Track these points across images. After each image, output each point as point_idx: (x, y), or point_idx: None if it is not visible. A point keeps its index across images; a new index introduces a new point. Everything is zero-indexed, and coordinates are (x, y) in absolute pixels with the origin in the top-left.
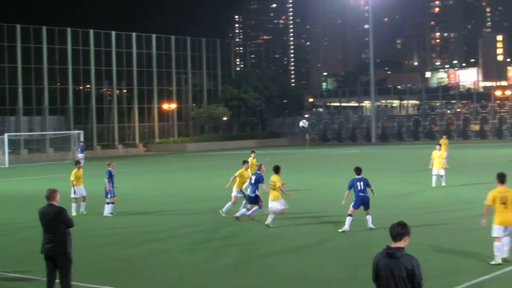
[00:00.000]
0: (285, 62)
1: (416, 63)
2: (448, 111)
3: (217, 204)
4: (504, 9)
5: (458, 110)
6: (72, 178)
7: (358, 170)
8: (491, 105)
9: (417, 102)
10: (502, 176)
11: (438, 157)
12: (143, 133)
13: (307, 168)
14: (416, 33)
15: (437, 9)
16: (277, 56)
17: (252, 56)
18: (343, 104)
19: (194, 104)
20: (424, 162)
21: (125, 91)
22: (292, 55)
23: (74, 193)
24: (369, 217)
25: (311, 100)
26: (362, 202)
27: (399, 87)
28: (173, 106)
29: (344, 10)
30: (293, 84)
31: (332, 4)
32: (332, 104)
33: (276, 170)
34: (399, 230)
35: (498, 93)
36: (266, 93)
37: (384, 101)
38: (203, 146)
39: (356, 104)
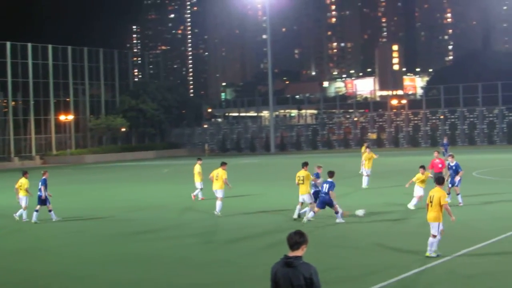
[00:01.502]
0: (184, 73)
1: (314, 73)
2: (346, 120)
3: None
4: (399, 19)
5: (356, 119)
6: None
7: (331, 174)
8: (388, 114)
9: (315, 111)
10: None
11: (370, 159)
12: (40, 145)
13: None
14: (314, 43)
15: (334, 20)
16: (175, 66)
17: (151, 66)
18: (242, 114)
19: (91, 116)
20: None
21: (20, 102)
22: (190, 66)
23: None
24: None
25: (210, 110)
26: (324, 202)
27: (297, 96)
28: (70, 117)
29: (242, 20)
30: (192, 95)
31: (230, 14)
32: (231, 114)
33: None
34: (297, 239)
35: (394, 102)
36: (165, 103)
37: (282, 111)
38: (101, 158)
39: (255, 114)
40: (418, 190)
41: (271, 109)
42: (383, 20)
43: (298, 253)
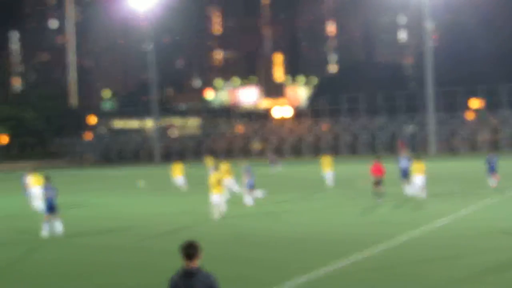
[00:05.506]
0: (66, 82)
1: (198, 83)
2: (229, 130)
3: None
4: (283, 28)
5: (239, 129)
6: None
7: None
8: (271, 124)
9: (199, 121)
10: None
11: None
12: None
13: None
14: (197, 53)
15: (217, 30)
16: (57, 77)
17: (32, 75)
18: (126, 126)
19: None
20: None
21: None
22: (73, 75)
23: None
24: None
25: (93, 120)
26: None
27: (181, 106)
28: None
29: (126, 30)
30: (75, 105)
31: (113, 24)
32: (115, 125)
33: None
34: (191, 250)
35: (277, 112)
36: (46, 113)
37: (168, 120)
38: None
39: (139, 125)
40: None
41: (155, 119)
42: (266, 29)
43: (195, 263)
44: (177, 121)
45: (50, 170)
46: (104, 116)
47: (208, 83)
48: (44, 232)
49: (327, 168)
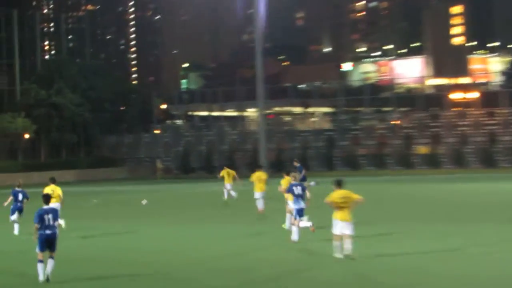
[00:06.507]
0: (123, 47)
1: (328, 49)
2: (380, 125)
3: None
4: None
5: (395, 122)
6: None
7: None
8: (446, 115)
9: (331, 109)
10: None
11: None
12: None
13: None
14: (327, 3)
15: None
16: (110, 37)
17: (70, 37)
18: (214, 114)
19: None
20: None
21: None
22: (133, 37)
23: None
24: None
25: (164, 107)
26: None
27: (301, 86)
28: None
29: None
30: (135, 82)
31: None
32: (197, 113)
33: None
34: None
35: (456, 95)
36: (93, 95)
37: (279, 108)
38: None
39: (235, 114)
40: None
41: (260, 106)
42: None
43: None
44: (295, 108)
45: (98, 184)
46: (181, 100)
47: (344, 50)
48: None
49: None
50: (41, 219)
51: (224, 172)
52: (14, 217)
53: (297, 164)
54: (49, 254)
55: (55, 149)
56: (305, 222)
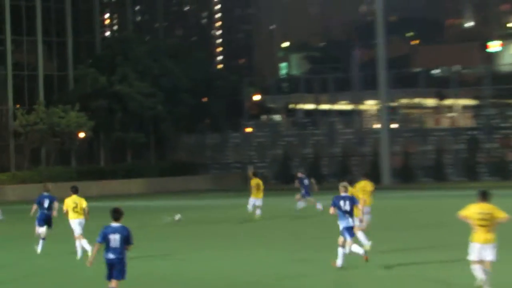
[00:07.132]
0: (205, 21)
1: (469, 24)
2: None
3: None
4: None
5: None
6: None
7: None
8: None
9: (473, 102)
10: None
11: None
12: None
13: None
14: None
15: None
16: (188, 8)
17: (138, 8)
18: (322, 107)
19: (18, 106)
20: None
21: None
22: (218, 7)
23: None
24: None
25: (257, 98)
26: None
27: (435, 71)
28: None
29: None
30: (220, 66)
31: None
32: (300, 106)
33: None
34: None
35: None
36: (166, 83)
37: (406, 100)
38: (37, 192)
39: (350, 107)
40: None
41: (383, 96)
42: None
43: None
44: (428, 100)
45: (173, 196)
46: (280, 89)
47: (491, 25)
48: None
49: None
50: (105, 238)
51: (254, 182)
52: (42, 230)
53: (301, 175)
54: (114, 283)
55: (117, 152)
56: (357, 247)
